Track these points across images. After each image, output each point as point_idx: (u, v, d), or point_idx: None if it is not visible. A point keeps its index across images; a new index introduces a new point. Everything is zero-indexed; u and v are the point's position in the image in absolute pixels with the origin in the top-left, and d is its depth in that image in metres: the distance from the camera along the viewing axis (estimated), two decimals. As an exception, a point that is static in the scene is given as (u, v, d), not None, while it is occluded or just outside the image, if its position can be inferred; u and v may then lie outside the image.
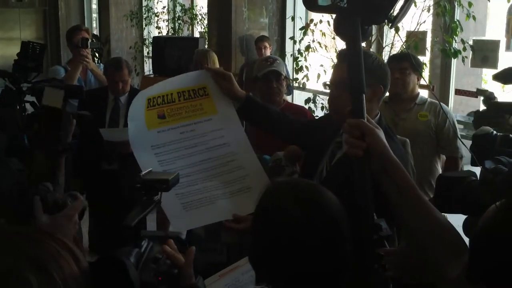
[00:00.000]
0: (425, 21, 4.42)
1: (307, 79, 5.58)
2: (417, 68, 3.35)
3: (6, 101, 2.59)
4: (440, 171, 3.41)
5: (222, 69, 2.37)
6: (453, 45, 4.31)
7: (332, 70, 2.14)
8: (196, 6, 8.77)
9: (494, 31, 5.77)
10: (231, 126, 2.19)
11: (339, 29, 1.49)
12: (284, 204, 1.31)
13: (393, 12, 1.47)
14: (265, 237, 1.32)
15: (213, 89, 2.19)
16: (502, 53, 4.33)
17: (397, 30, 4.40)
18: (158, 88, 2.23)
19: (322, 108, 5.35)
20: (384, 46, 4.77)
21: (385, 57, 4.55)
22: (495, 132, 1.73)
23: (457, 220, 1.52)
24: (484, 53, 4.23)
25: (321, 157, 2.05)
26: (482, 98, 1.86)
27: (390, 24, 1.51)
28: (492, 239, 0.96)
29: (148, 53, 9.28)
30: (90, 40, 4.20)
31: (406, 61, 3.36)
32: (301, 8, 6.50)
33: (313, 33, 5.28)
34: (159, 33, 9.40)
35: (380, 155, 1.39)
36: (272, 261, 1.29)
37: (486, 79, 6.33)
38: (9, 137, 2.30)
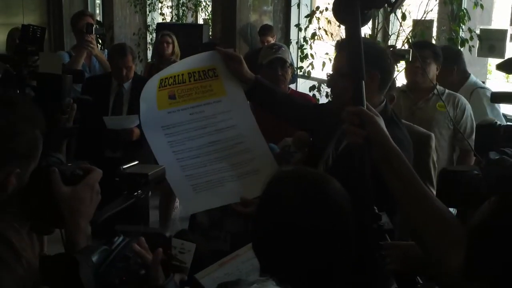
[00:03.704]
0: (432, 9, 4.38)
1: (312, 67, 5.53)
2: (439, 57, 3.31)
3: (6, 84, 2.56)
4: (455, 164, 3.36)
5: (233, 50, 2.35)
6: (460, 34, 4.28)
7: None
8: (201, -8, 8.74)
9: (500, 20, 5.72)
10: (239, 108, 2.19)
11: (338, 14, 1.47)
12: (288, 193, 1.29)
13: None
14: (266, 225, 1.31)
15: (223, 70, 2.19)
16: (508, 43, 4.29)
17: (403, 18, 4.36)
18: (171, 69, 2.24)
19: (327, 95, 5.32)
20: (390, 34, 4.73)
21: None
22: (498, 122, 1.72)
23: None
24: (491, 42, 4.19)
25: (328, 144, 2.03)
26: None
27: (390, 9, 1.48)
28: (491, 231, 0.95)
29: (151, 39, 9.23)
30: (94, 26, 4.17)
31: (428, 50, 3.31)
32: (306, -5, 6.45)
33: (318, 21, 5.23)
34: (163, 19, 9.37)
35: (380, 143, 1.39)
36: (273, 249, 1.28)
37: (491, 69, 6.28)
38: None
